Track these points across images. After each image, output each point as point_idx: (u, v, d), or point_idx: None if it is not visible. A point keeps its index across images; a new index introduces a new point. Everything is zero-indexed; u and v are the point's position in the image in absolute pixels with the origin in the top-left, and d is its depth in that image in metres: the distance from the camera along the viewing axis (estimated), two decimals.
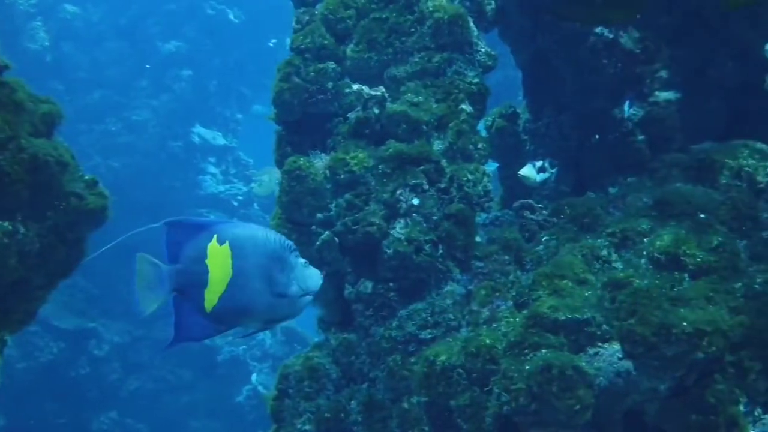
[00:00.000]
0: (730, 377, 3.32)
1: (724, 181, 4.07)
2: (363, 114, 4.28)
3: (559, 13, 1.81)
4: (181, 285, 2.38)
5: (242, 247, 2.41)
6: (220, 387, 12.00)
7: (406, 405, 3.78)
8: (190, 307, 2.39)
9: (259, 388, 11.44)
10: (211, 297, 2.37)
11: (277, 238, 2.48)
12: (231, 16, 15.07)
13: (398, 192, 4.08)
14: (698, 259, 3.56)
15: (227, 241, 2.39)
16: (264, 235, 2.47)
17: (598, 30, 4.69)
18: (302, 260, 2.53)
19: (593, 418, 3.32)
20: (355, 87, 4.37)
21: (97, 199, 3.66)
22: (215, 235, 2.39)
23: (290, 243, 2.52)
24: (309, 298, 2.55)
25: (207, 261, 2.37)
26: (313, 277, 2.55)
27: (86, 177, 3.70)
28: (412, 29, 4.48)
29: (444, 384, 3.58)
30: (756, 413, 3.42)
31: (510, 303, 3.82)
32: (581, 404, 3.26)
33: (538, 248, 4.06)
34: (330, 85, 4.41)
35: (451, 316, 3.94)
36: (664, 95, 4.80)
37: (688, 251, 3.59)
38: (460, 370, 3.56)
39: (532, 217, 4.29)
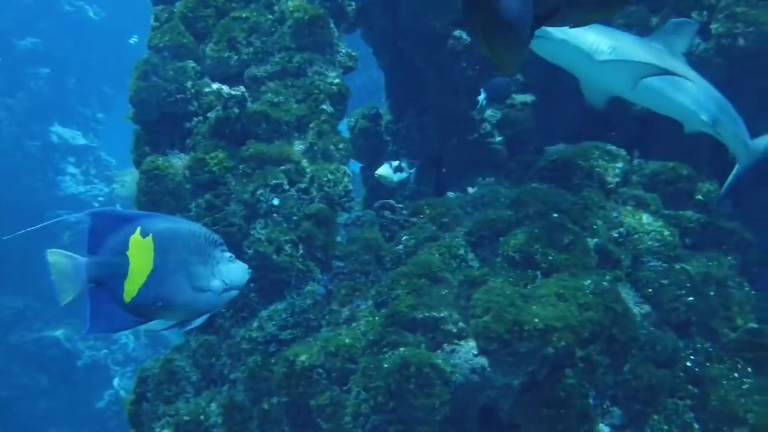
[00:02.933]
0: (580, 371, 3.42)
1: (577, 182, 4.20)
2: (223, 114, 4.24)
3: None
4: (99, 276, 2.40)
5: (165, 240, 2.44)
6: (80, 392, 11.66)
7: (266, 406, 3.76)
8: (109, 298, 2.40)
9: (122, 392, 11.18)
10: (131, 288, 2.40)
11: (203, 233, 2.53)
12: (91, 13, 14.73)
13: (258, 192, 4.06)
14: (550, 258, 3.66)
15: (150, 234, 2.42)
16: (189, 229, 2.52)
17: (456, 33, 4.78)
18: (228, 255, 2.57)
19: (450, 414, 3.37)
20: (214, 86, 4.33)
21: None
22: (139, 228, 2.42)
23: (216, 238, 2.56)
24: (234, 292, 2.61)
25: (128, 253, 2.40)
26: (238, 272, 2.60)
27: None
28: (273, 29, 4.46)
29: (304, 384, 3.58)
30: (605, 406, 3.54)
31: (370, 302, 3.85)
32: (438, 401, 3.31)
33: (398, 248, 4.09)
34: (189, 84, 4.35)
35: (311, 316, 3.94)
36: (520, 98, 4.93)
37: (540, 250, 3.68)
38: (320, 370, 3.56)
39: (393, 217, 4.32)
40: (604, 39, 3.95)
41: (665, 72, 3.97)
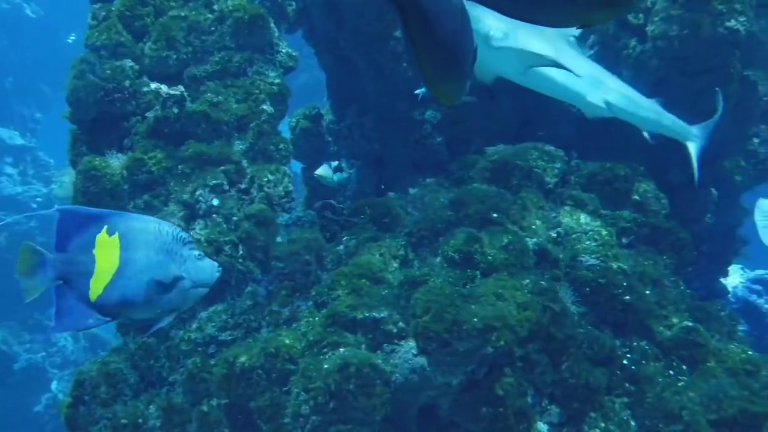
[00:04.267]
0: (519, 370, 3.45)
1: (516, 182, 4.24)
2: (162, 113, 4.20)
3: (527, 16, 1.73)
4: (65, 274, 2.42)
5: (132, 238, 2.45)
6: (16, 396, 11.45)
7: (205, 408, 3.73)
8: (75, 295, 2.42)
9: (60, 396, 11.00)
10: (96, 287, 2.42)
11: (171, 231, 2.53)
12: (28, 11, 14.49)
13: (198, 193, 4.03)
14: (489, 257, 3.69)
15: (117, 233, 2.43)
16: (157, 227, 2.52)
17: (397, 33, 4.79)
18: (196, 252, 2.58)
19: (390, 414, 3.38)
20: (153, 86, 4.28)
21: None
22: (106, 226, 2.43)
23: (185, 235, 2.57)
24: (203, 290, 2.62)
25: (94, 251, 2.41)
26: (206, 270, 2.60)
27: None
28: (212, 28, 4.43)
29: (244, 385, 3.56)
30: (543, 404, 3.58)
31: (310, 303, 3.84)
32: (378, 401, 3.31)
33: (338, 248, 4.09)
34: (127, 83, 4.29)
35: (251, 317, 3.92)
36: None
37: (480, 249, 3.71)
38: (260, 371, 3.54)
39: (333, 217, 4.32)
40: (500, 24, 3.98)
41: (555, 64, 4.01)
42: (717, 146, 4.74)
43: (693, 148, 4.47)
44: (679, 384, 3.70)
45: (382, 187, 5.04)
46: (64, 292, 2.43)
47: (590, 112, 4.36)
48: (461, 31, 1.96)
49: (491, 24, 3.99)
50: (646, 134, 4.44)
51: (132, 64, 4.34)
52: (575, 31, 4.23)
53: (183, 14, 4.39)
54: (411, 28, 1.88)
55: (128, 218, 2.54)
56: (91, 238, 2.43)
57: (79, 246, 2.43)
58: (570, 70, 4.07)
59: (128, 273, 2.45)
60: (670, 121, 4.42)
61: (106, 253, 2.42)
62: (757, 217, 5.06)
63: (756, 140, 4.82)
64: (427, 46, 1.94)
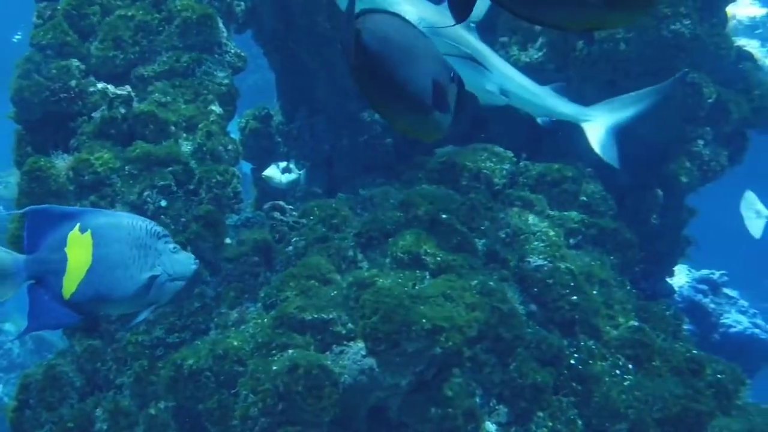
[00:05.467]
0: (467, 371, 3.48)
1: (465, 183, 4.26)
2: (108, 113, 4.15)
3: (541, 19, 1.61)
4: (38, 273, 2.43)
5: (105, 235, 2.47)
6: None
7: (153, 411, 3.70)
8: (48, 295, 2.44)
9: (5, 399, 10.84)
10: (69, 285, 2.43)
11: (144, 225, 2.54)
12: None
13: (145, 194, 4.00)
14: (438, 258, 3.71)
15: (89, 230, 2.45)
16: (130, 222, 2.53)
17: None
18: (171, 246, 2.59)
19: (339, 415, 3.38)
20: (99, 86, 4.23)
21: None
22: (78, 224, 2.44)
23: (159, 230, 2.58)
24: (179, 283, 2.63)
25: (66, 249, 2.43)
26: (182, 263, 2.62)
27: None
28: (160, 28, 4.39)
29: (192, 387, 3.54)
30: (491, 404, 3.60)
31: (259, 304, 3.83)
32: (327, 402, 3.31)
33: (287, 249, 4.09)
34: (73, 83, 4.23)
35: (199, 318, 3.90)
36: None
37: (429, 251, 3.73)
38: (208, 373, 3.53)
39: (283, 218, 4.31)
40: (412, 9, 3.91)
41: (462, 54, 3.92)
42: (662, 148, 4.81)
43: (588, 127, 4.42)
44: (625, 383, 3.75)
45: (332, 187, 5.04)
46: (37, 292, 2.45)
47: (485, 100, 4.28)
48: (406, 63, 1.94)
49: (405, 9, 3.87)
50: (539, 120, 4.38)
51: (78, 63, 4.28)
52: (476, 17, 4.16)
53: (130, 14, 4.34)
54: (356, 69, 1.87)
55: (100, 215, 2.56)
56: (63, 237, 2.44)
57: (51, 245, 2.44)
58: (474, 59, 3.99)
59: (101, 270, 2.46)
60: (563, 106, 4.38)
61: (79, 251, 2.43)
62: (744, 208, 5.09)
63: (701, 142, 4.89)
64: (369, 83, 1.93)
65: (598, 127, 4.44)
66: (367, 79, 1.93)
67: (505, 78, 4.22)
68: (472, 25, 4.20)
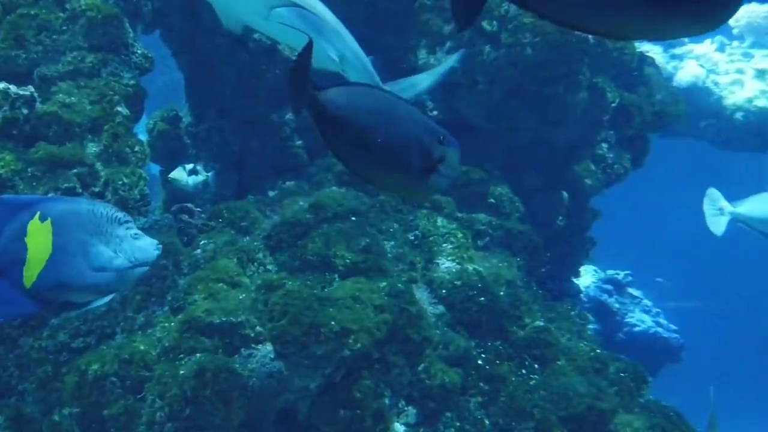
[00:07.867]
0: (376, 372, 3.49)
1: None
2: (10, 114, 4.05)
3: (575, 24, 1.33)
4: None
5: (64, 223, 2.42)
6: None
7: (57, 417, 3.62)
8: (9, 285, 2.39)
9: None
10: (30, 274, 2.39)
11: (104, 212, 2.49)
12: None
13: (49, 196, 3.91)
14: (347, 260, 3.72)
15: (49, 218, 2.40)
16: (89, 209, 2.49)
17: (257, 36, 4.77)
18: (133, 231, 2.54)
19: (247, 419, 3.36)
20: (1, 86, 4.12)
21: None
22: (38, 212, 2.39)
23: (120, 215, 2.53)
24: (143, 269, 2.58)
25: (26, 238, 2.38)
26: (144, 248, 2.57)
27: None
28: (65, 27, 4.31)
29: (97, 393, 3.48)
30: (400, 405, 3.63)
31: (166, 308, 3.78)
32: (235, 406, 3.29)
33: (196, 252, 4.04)
34: None
35: (105, 323, 3.83)
36: None
37: (338, 253, 3.73)
38: (114, 378, 3.47)
39: (191, 220, 4.26)
40: None
41: (293, 4, 3.73)
42: (567, 151, 4.90)
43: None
44: (531, 383, 3.82)
45: (241, 190, 5.00)
46: None
47: (321, 64, 3.94)
48: (381, 128, 1.92)
49: None
50: None
51: None
52: None
53: (33, 12, 4.25)
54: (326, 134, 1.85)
55: (60, 202, 2.54)
56: (22, 226, 2.39)
57: (11, 235, 2.39)
58: (314, 13, 3.80)
59: (61, 258, 2.42)
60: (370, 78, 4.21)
61: (39, 240, 2.39)
62: (706, 205, 5.17)
63: (605, 145, 5.00)
64: (343, 148, 1.92)
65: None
66: (340, 147, 1.93)
67: (343, 44, 4.07)
68: None
